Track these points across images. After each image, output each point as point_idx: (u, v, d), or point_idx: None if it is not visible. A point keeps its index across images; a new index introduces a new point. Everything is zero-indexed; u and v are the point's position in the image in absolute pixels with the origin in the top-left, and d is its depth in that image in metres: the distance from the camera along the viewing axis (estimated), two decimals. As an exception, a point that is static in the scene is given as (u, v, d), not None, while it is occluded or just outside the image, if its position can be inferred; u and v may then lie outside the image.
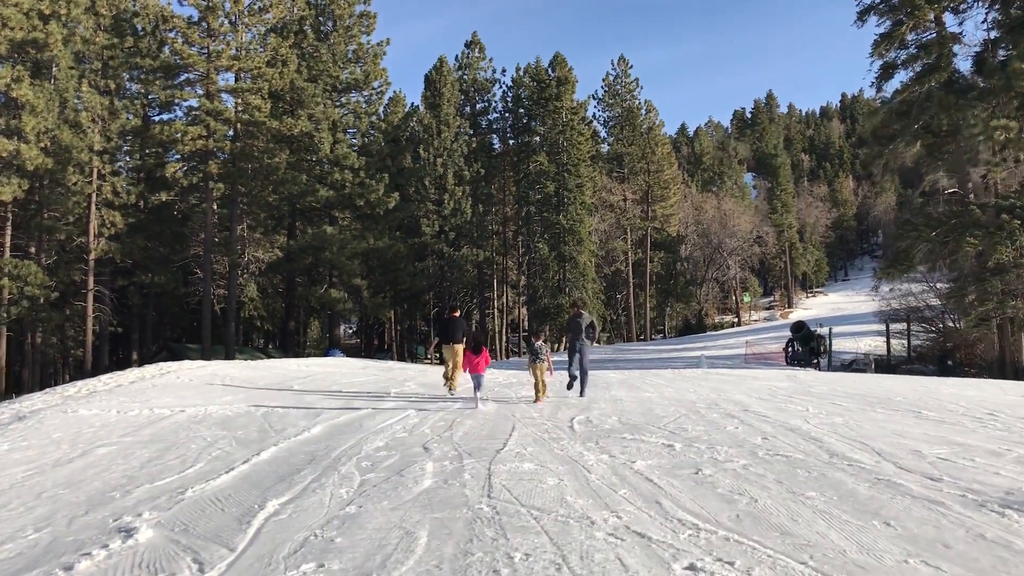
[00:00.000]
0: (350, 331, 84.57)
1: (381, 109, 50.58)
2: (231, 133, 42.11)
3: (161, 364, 17.30)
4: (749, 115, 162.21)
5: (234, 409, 11.55)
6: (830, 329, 32.08)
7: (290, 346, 49.27)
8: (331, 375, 17.89)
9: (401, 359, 68.21)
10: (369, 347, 79.05)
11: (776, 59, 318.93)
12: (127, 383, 14.45)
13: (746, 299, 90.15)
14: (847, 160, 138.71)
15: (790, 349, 34.31)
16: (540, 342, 13.25)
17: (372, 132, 50.27)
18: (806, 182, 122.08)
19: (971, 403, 12.19)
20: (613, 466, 6.94)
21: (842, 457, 7.23)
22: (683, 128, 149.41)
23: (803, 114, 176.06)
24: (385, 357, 71.18)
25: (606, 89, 76.12)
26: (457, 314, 14.69)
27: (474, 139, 63.04)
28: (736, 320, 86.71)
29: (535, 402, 12.58)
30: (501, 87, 65.20)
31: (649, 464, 7.01)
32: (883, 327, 44.57)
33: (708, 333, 75.15)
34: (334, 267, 44.95)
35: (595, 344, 14.66)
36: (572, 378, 13.46)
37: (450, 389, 13.75)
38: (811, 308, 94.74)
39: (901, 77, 26.97)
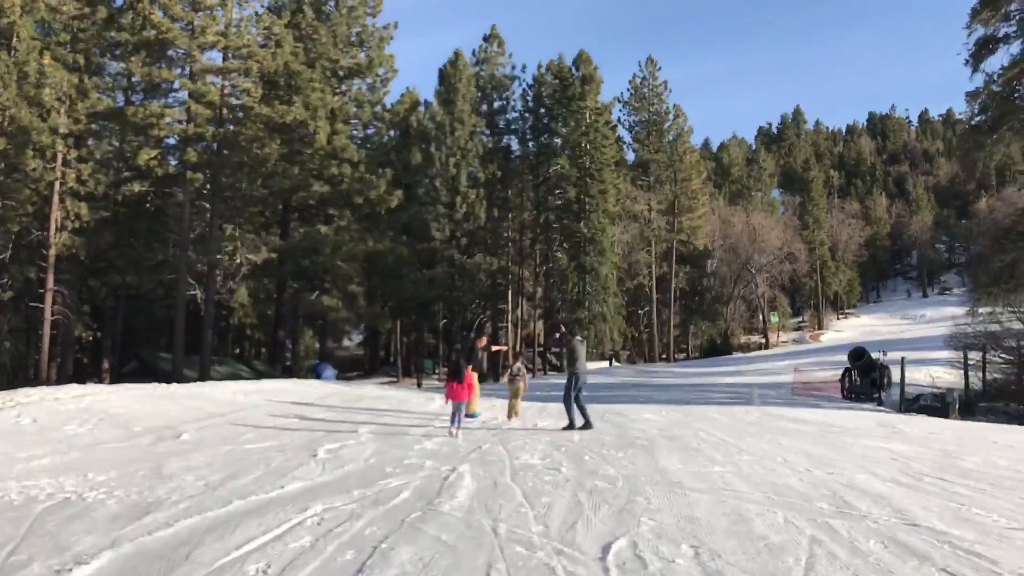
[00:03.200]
0: (353, 342, 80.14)
1: (387, 99, 46.02)
2: (218, 119, 37.70)
3: (16, 392, 12.63)
4: (776, 130, 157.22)
5: (15, 494, 6.79)
6: (903, 359, 26.94)
7: (279, 358, 44.60)
8: (263, 412, 13.13)
9: (407, 375, 63.41)
10: (374, 360, 74.33)
11: (799, 78, 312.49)
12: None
13: (774, 320, 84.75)
14: (879, 177, 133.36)
15: (847, 380, 29.20)
16: (518, 364, 14.06)
17: (375, 123, 45.61)
18: (836, 199, 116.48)
19: None
20: None
21: None
22: (707, 143, 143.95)
23: (830, 131, 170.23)
24: (390, 371, 66.50)
25: (632, 92, 71.17)
26: (482, 342, 14.74)
27: (490, 139, 58.28)
28: (764, 341, 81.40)
29: (508, 418, 13.45)
30: (521, 85, 60.31)
31: None
32: (945, 354, 39.40)
33: (736, 355, 69.95)
34: (327, 271, 40.21)
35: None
36: (570, 423, 12.27)
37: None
38: (843, 331, 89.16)
39: (1004, 53, 21.94)
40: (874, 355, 29.16)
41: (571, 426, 12.23)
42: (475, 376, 13.31)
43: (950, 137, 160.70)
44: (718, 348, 74.70)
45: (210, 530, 5.65)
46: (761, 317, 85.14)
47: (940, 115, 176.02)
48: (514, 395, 13.46)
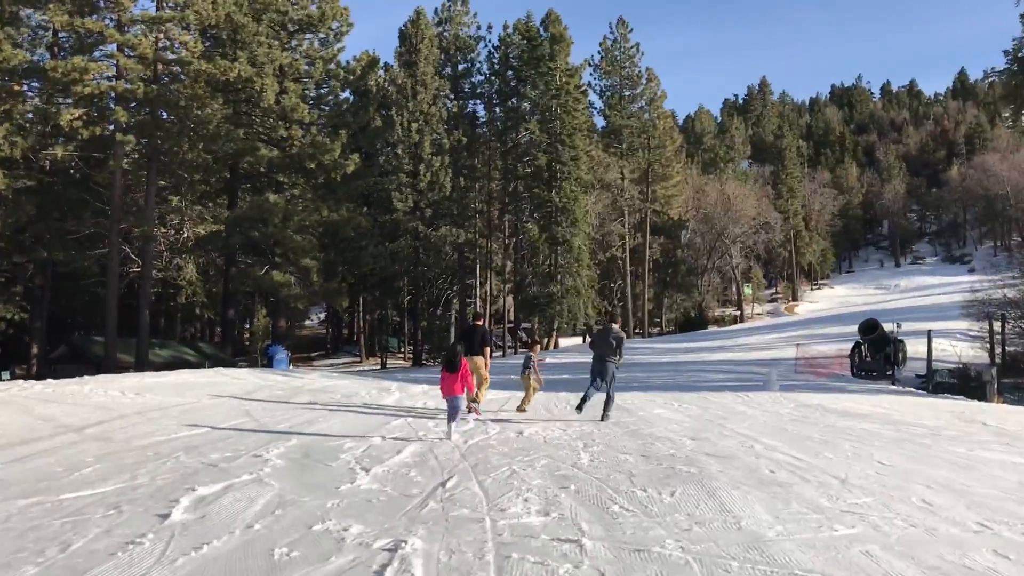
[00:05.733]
0: (314, 321, 76.43)
1: (341, 57, 42.24)
2: (152, 76, 33.84)
3: None
4: (742, 101, 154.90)
5: None
6: (929, 332, 24.18)
7: (229, 340, 41.06)
8: (144, 421, 9.78)
9: (371, 354, 60.15)
10: (337, 339, 70.96)
11: (760, 53, 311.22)
12: None
13: (747, 292, 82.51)
14: (849, 147, 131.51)
15: (856, 356, 26.43)
16: (532, 353, 13.20)
17: (329, 82, 41.87)
18: (807, 168, 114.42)
19: None
20: None
21: None
22: (672, 115, 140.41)
23: (795, 103, 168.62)
24: (354, 351, 63.15)
25: (603, 54, 67.79)
26: (480, 322, 13.63)
27: (455, 104, 54.78)
28: (739, 314, 79.15)
29: (518, 409, 12.25)
30: (487, 46, 56.81)
31: None
32: (942, 325, 37.11)
33: (712, 329, 67.53)
34: (278, 243, 36.65)
35: (619, 363, 11.41)
36: (584, 399, 11.29)
37: (469, 409, 11.40)
38: (817, 302, 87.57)
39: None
40: (887, 327, 26.41)
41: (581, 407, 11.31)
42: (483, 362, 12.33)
43: (916, 107, 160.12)
44: (693, 322, 72.26)
45: None
46: (735, 289, 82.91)
47: (902, 86, 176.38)
48: (530, 386, 12.51)
